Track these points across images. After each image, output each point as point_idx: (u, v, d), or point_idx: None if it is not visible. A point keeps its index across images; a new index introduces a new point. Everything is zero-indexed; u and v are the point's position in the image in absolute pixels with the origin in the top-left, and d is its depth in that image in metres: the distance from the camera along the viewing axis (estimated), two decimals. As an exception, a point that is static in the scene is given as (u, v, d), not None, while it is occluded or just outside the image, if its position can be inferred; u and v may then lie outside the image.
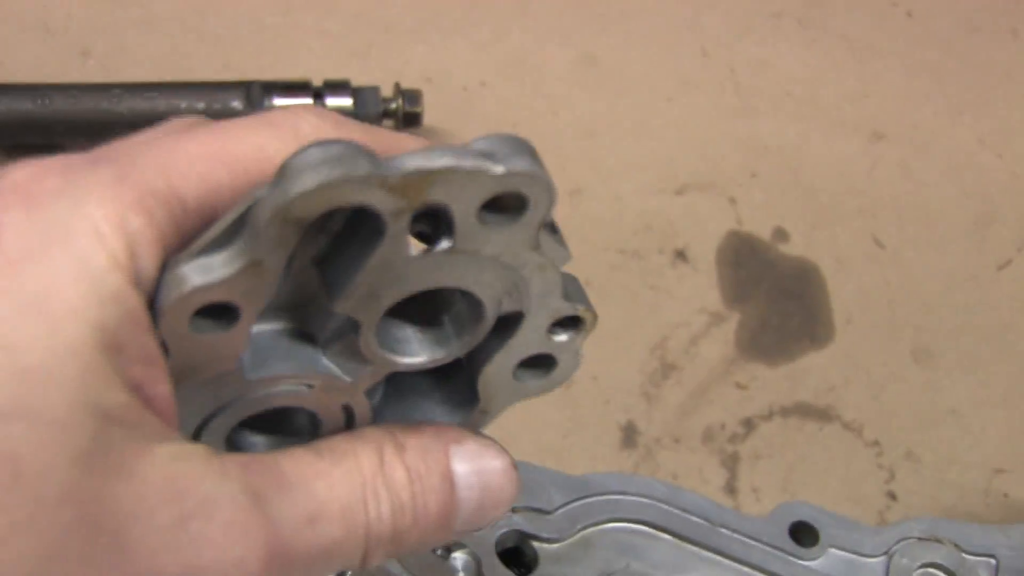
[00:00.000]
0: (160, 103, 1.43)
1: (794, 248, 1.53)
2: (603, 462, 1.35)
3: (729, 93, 1.65)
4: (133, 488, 0.50)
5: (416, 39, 1.63)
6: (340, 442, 0.61)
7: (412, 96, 1.48)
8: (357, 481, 0.59)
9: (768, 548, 1.15)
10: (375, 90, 1.47)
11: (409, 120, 1.48)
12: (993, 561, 1.16)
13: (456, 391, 0.70)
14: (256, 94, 1.45)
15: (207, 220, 0.57)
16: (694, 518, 1.15)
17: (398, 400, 0.69)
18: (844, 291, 1.50)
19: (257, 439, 0.68)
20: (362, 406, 0.65)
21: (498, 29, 1.65)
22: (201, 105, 1.43)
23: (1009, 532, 1.18)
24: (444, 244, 0.57)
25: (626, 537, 1.14)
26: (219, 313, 0.56)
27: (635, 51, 1.67)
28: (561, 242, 0.62)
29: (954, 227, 1.57)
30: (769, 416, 1.40)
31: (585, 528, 1.14)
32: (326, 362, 0.63)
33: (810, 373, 1.44)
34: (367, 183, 0.52)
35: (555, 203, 0.57)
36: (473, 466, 0.63)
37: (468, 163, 0.54)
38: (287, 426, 0.68)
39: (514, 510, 1.08)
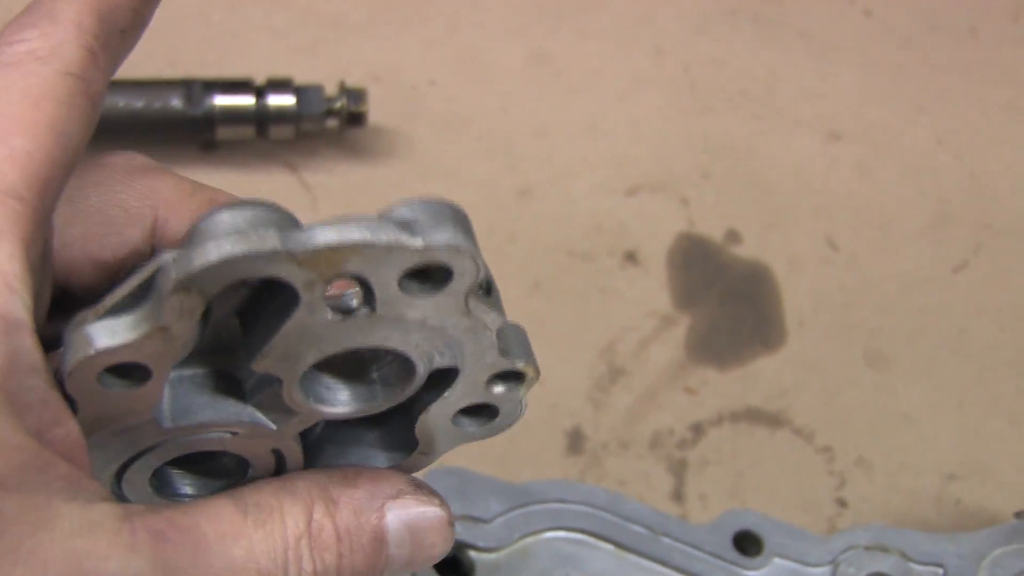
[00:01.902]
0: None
1: (747, 250, 1.50)
2: (548, 468, 1.32)
3: (683, 92, 1.62)
4: (33, 571, 0.47)
5: (364, 36, 1.60)
6: (268, 496, 0.58)
7: (356, 95, 1.45)
8: (279, 545, 0.56)
9: (711, 557, 1.14)
10: (318, 89, 1.45)
11: (353, 120, 1.45)
12: (940, 571, 1.15)
13: (395, 432, 0.67)
14: (197, 93, 1.42)
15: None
16: (636, 527, 1.14)
17: (336, 440, 0.67)
18: (797, 294, 1.48)
19: (184, 480, 0.66)
20: (293, 451, 0.64)
21: (449, 25, 1.63)
22: (140, 104, 1.40)
23: (957, 541, 1.16)
24: (364, 311, 0.55)
25: (566, 546, 1.12)
26: (129, 372, 0.54)
27: (588, 48, 1.64)
28: (496, 305, 0.59)
29: (910, 229, 1.55)
30: (719, 421, 1.38)
31: (524, 537, 1.12)
32: (251, 411, 0.61)
33: (761, 378, 1.42)
34: (275, 258, 0.50)
35: (483, 272, 0.55)
36: (408, 523, 0.62)
37: (384, 237, 0.52)
38: (215, 465, 0.66)
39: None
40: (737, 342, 1.44)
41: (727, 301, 1.47)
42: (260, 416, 0.61)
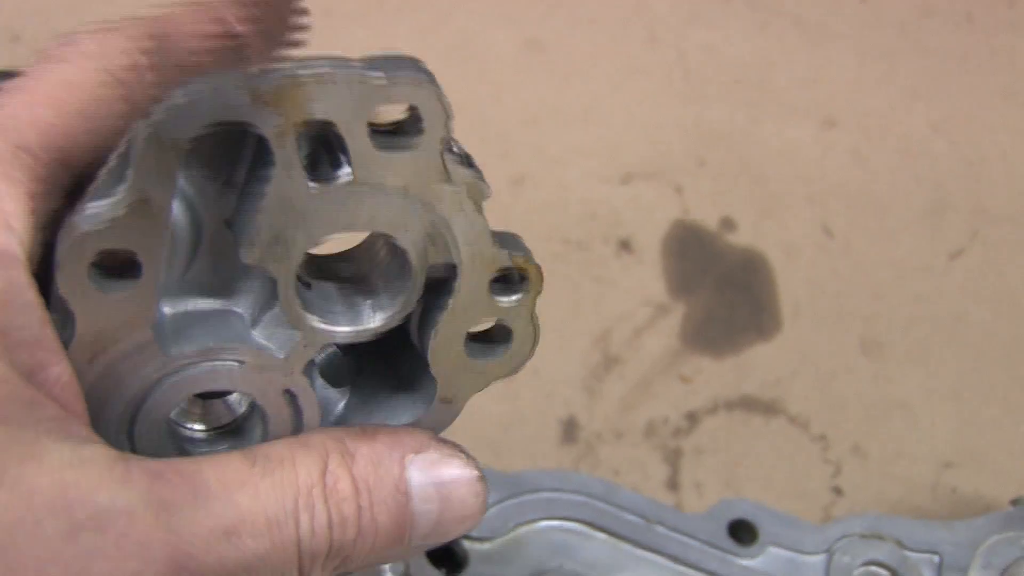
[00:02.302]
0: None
1: (741, 238, 1.50)
2: (543, 457, 1.32)
3: (677, 79, 1.62)
4: (18, 497, 0.47)
5: (357, 24, 1.60)
6: (280, 448, 0.57)
7: (348, 82, 1.44)
8: (288, 493, 0.54)
9: (706, 546, 1.13)
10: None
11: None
12: (936, 558, 1.14)
13: (417, 390, 0.66)
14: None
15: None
16: (630, 516, 1.13)
17: (360, 407, 0.66)
18: (792, 281, 1.47)
19: (202, 449, 0.66)
20: (306, 393, 0.62)
21: (440, 13, 1.62)
22: (130, 91, 1.39)
23: (953, 528, 1.16)
24: (344, 173, 0.55)
25: (559, 536, 1.12)
26: (120, 270, 0.55)
27: (581, 36, 1.63)
28: (478, 175, 0.59)
29: (906, 216, 1.54)
30: (714, 410, 1.38)
31: (517, 527, 1.12)
32: (254, 335, 0.60)
33: (756, 366, 1.41)
34: (238, 93, 0.51)
35: (451, 119, 0.55)
36: (433, 477, 0.59)
37: (345, 71, 0.52)
38: (242, 434, 0.66)
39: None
40: (732, 330, 1.44)
41: (722, 289, 1.46)
42: (264, 341, 0.60)
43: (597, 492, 1.13)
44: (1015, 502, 1.20)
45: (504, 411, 1.34)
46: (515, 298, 0.62)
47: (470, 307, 0.62)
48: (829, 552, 1.13)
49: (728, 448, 1.36)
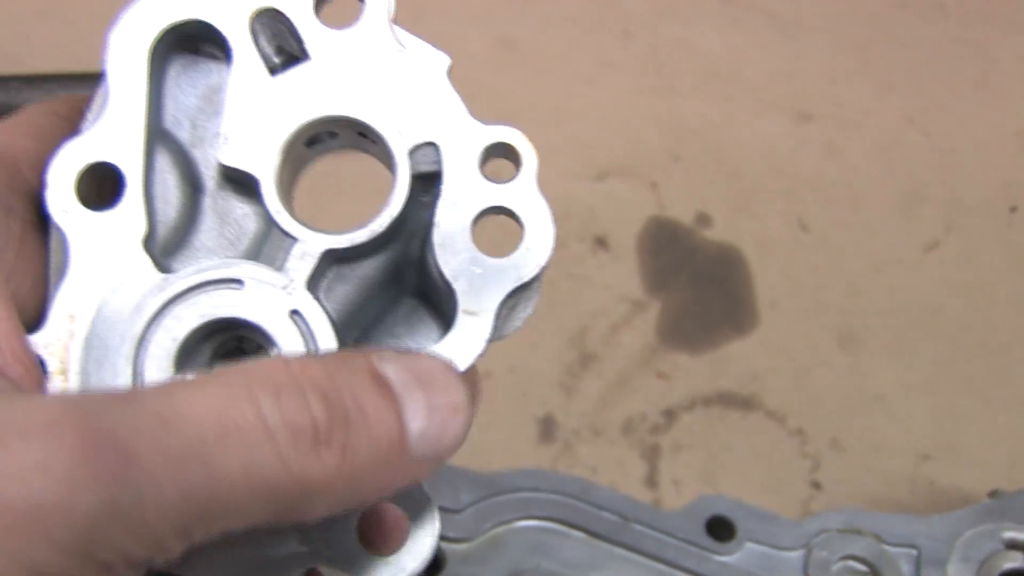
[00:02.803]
0: (60, 95, 1.38)
1: (717, 233, 1.49)
2: (521, 456, 1.31)
3: (651, 74, 1.61)
4: None
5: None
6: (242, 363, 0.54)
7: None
8: (240, 382, 0.50)
9: (683, 544, 1.13)
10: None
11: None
12: (914, 552, 1.14)
13: (444, 317, 0.64)
14: None
15: None
16: (607, 514, 1.13)
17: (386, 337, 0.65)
18: (768, 276, 1.47)
19: None
20: (315, 315, 0.59)
21: (413, 11, 1.60)
22: (100, 95, 1.38)
23: (931, 522, 1.16)
24: (302, 58, 0.59)
25: (537, 535, 1.11)
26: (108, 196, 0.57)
27: (555, 32, 1.63)
28: (433, 47, 0.62)
29: (881, 208, 1.54)
30: (691, 406, 1.37)
31: (495, 527, 1.11)
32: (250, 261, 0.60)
33: (733, 361, 1.41)
34: None
35: None
36: (406, 366, 0.54)
37: None
38: None
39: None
40: (709, 326, 1.43)
41: (698, 285, 1.46)
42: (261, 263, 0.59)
43: (573, 491, 1.12)
44: (992, 494, 1.20)
45: (480, 411, 1.33)
46: (513, 180, 0.60)
47: (464, 192, 0.59)
48: (807, 547, 1.13)
49: (706, 444, 1.36)
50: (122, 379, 0.57)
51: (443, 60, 0.61)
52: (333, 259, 0.60)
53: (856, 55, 1.67)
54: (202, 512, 0.46)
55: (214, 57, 0.61)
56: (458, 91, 0.62)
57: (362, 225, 0.60)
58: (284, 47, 0.60)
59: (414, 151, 0.59)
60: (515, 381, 1.34)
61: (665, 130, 1.57)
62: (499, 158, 0.61)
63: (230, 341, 0.60)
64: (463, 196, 0.59)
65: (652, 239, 1.48)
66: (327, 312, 0.59)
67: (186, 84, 0.61)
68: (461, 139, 0.60)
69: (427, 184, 0.60)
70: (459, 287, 0.60)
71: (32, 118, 0.63)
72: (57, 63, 1.47)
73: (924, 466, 1.37)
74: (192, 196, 0.61)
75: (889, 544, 1.14)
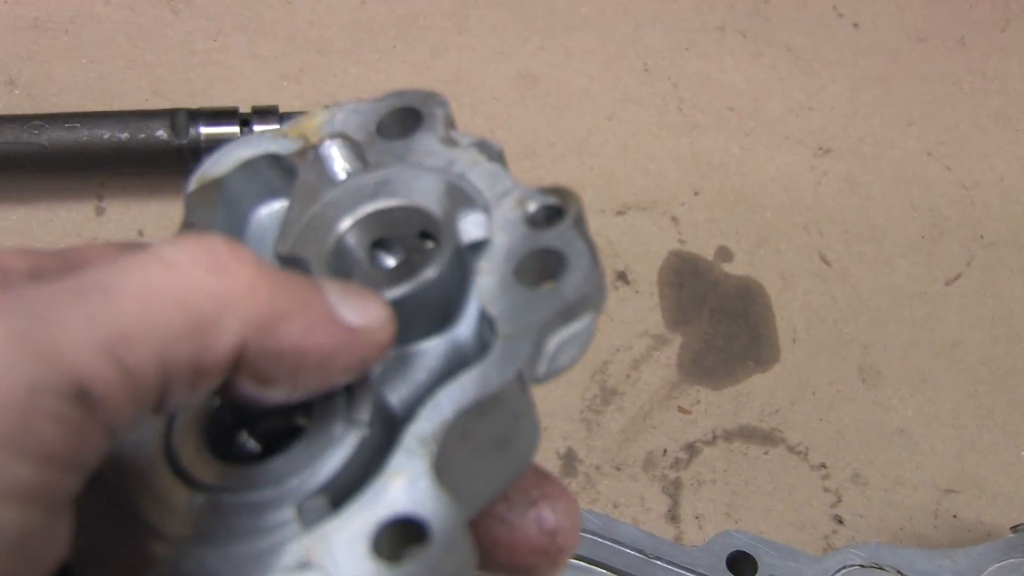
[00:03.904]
0: (83, 133, 1.39)
1: (738, 267, 1.49)
2: (542, 492, 1.31)
3: (672, 109, 1.62)
4: None
5: (350, 60, 1.60)
6: None
7: (342, 120, 1.44)
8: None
9: (705, 580, 1.13)
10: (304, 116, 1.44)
11: (339, 144, 1.44)
12: (937, 587, 1.14)
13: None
14: (181, 122, 1.41)
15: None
16: (628, 550, 1.13)
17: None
18: (789, 310, 1.47)
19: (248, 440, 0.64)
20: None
21: (435, 48, 1.62)
22: (125, 135, 1.40)
23: (954, 556, 1.16)
24: (352, 169, 0.64)
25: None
26: None
27: (575, 68, 1.63)
28: (485, 143, 0.65)
29: (902, 242, 1.54)
30: (712, 440, 1.37)
31: (516, 564, 1.11)
32: None
33: (755, 395, 1.41)
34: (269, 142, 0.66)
35: (447, 106, 0.66)
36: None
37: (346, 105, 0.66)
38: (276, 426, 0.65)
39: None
40: (730, 360, 1.43)
41: (719, 319, 1.46)
42: None
43: (594, 527, 1.13)
44: (1016, 528, 1.19)
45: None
46: (558, 227, 0.59)
47: (511, 244, 0.60)
48: (829, 583, 1.12)
49: (728, 479, 1.35)
50: None
51: (495, 148, 0.64)
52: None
53: (876, 89, 1.68)
54: (114, 329, 0.46)
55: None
56: (511, 168, 0.65)
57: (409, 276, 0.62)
58: (353, 171, 0.64)
59: (464, 220, 0.62)
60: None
61: (686, 164, 1.58)
62: (547, 216, 0.61)
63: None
64: (506, 244, 0.60)
65: (673, 273, 1.48)
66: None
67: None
68: (507, 201, 0.61)
69: (472, 253, 0.62)
70: (497, 312, 0.59)
71: None
72: (80, 103, 1.48)
73: (947, 500, 1.36)
74: None
75: (912, 580, 1.13)
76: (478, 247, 0.61)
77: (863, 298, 1.49)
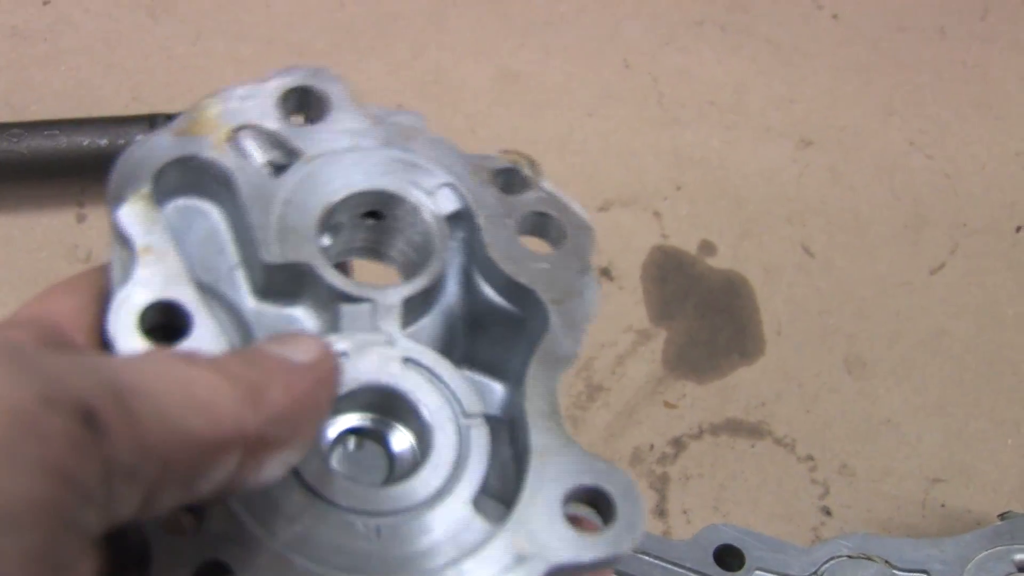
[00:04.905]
0: (62, 141, 1.39)
1: (721, 260, 1.49)
2: (529, 489, 1.31)
3: (652, 104, 1.62)
4: None
5: (330, 61, 1.57)
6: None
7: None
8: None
9: (692, 573, 1.13)
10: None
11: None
12: (925, 576, 1.14)
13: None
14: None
15: None
16: (615, 546, 1.12)
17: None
18: (774, 302, 1.47)
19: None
20: (424, 354, 0.65)
21: (413, 48, 1.62)
22: (104, 141, 1.39)
23: (941, 546, 1.16)
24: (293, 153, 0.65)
25: (545, 569, 1.11)
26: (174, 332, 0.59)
27: (555, 64, 1.63)
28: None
29: (885, 232, 1.54)
30: (699, 434, 1.37)
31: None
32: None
33: (740, 388, 1.41)
34: (164, 138, 0.64)
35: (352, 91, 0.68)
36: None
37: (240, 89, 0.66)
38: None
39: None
40: (715, 354, 1.43)
41: (704, 313, 1.46)
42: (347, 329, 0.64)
43: (581, 523, 1.12)
44: (1003, 516, 1.19)
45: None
46: (531, 188, 0.68)
47: (496, 212, 0.66)
48: (817, 574, 1.12)
49: (715, 473, 1.35)
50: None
51: (418, 118, 0.67)
52: (411, 305, 0.65)
53: (857, 79, 1.67)
54: (118, 378, 0.48)
55: (203, 196, 0.65)
56: (450, 135, 0.69)
57: (419, 275, 0.66)
58: (273, 160, 0.65)
59: (434, 195, 0.65)
60: (522, 414, 1.34)
61: (667, 159, 1.57)
62: (509, 178, 0.68)
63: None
64: (497, 215, 0.65)
65: (657, 268, 1.48)
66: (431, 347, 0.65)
67: (186, 229, 0.64)
68: (469, 172, 0.66)
69: (452, 226, 0.66)
70: (538, 287, 0.65)
71: (73, 285, 0.63)
72: (59, 110, 1.48)
73: (934, 489, 1.36)
74: (239, 329, 0.63)
75: (899, 569, 1.13)
76: (453, 218, 0.66)
77: (847, 289, 1.49)
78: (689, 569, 1.12)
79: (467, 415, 0.63)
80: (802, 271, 1.50)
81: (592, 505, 0.60)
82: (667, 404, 1.39)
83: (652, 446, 1.36)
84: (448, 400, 0.63)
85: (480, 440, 0.63)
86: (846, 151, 1.61)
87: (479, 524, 0.59)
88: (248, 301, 0.64)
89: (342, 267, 0.68)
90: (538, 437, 0.61)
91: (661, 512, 1.32)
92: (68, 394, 0.45)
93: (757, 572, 1.12)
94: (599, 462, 0.60)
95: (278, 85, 0.65)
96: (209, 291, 0.63)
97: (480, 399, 0.64)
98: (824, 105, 1.65)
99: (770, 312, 1.47)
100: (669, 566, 1.12)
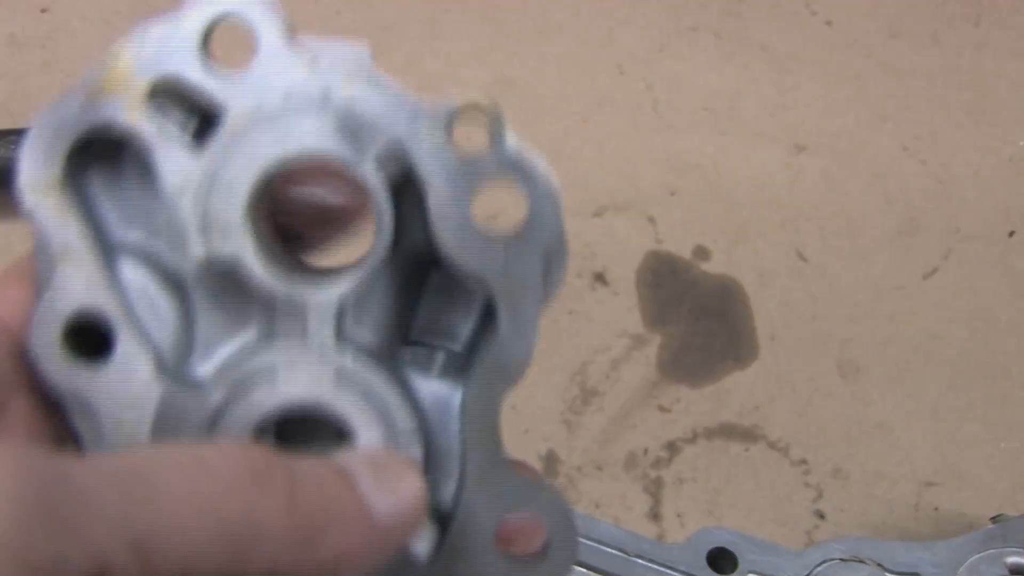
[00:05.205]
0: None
1: (715, 266, 1.50)
2: (524, 494, 1.31)
3: (647, 110, 1.62)
4: None
5: (326, 69, 1.60)
6: None
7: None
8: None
9: (686, 577, 1.13)
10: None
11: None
12: (918, 579, 1.14)
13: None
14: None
15: None
16: (609, 549, 1.13)
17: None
18: (767, 307, 1.48)
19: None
20: (358, 366, 0.58)
21: (410, 55, 1.63)
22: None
23: (934, 549, 1.16)
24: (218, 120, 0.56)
25: (539, 572, 1.11)
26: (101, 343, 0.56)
27: (550, 71, 1.64)
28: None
29: (878, 237, 1.55)
30: (693, 439, 1.38)
31: (497, 565, 1.11)
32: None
33: (734, 392, 1.41)
34: (72, 103, 0.57)
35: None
36: (366, 458, 0.55)
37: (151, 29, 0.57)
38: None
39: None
40: (709, 358, 1.44)
41: (698, 318, 1.46)
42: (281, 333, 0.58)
43: (575, 527, 1.13)
44: (996, 519, 1.20)
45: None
46: (491, 146, 0.57)
47: (450, 178, 0.56)
48: (810, 577, 1.13)
49: (709, 476, 1.36)
50: None
51: (361, 55, 0.58)
52: (351, 300, 0.58)
53: (850, 85, 1.68)
54: (146, 527, 0.46)
55: (125, 160, 0.58)
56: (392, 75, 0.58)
57: (362, 259, 0.58)
58: (195, 114, 0.57)
59: (381, 159, 0.56)
60: (517, 418, 1.35)
61: (661, 165, 1.58)
62: (467, 126, 0.58)
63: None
64: (448, 185, 0.56)
65: (651, 273, 1.49)
66: (368, 355, 0.58)
67: (116, 189, 0.58)
68: (419, 125, 0.56)
69: (406, 188, 0.58)
70: (488, 276, 0.58)
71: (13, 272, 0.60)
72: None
73: (927, 493, 1.37)
74: (179, 296, 0.58)
75: (892, 572, 1.14)
76: (405, 181, 0.58)
77: (841, 294, 1.50)
78: (682, 572, 1.12)
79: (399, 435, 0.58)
80: (796, 276, 1.51)
81: (527, 535, 0.57)
82: (661, 408, 1.39)
83: (646, 450, 1.36)
84: (381, 419, 0.58)
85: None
86: (839, 157, 1.61)
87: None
88: (186, 269, 0.58)
89: (294, 238, 0.61)
90: (474, 463, 0.58)
91: (655, 516, 1.33)
92: (83, 549, 0.43)
93: (750, 575, 1.13)
94: (533, 488, 0.57)
95: (199, 19, 0.57)
96: (145, 254, 0.58)
97: (414, 415, 0.58)
98: (817, 111, 1.65)
99: (764, 317, 1.47)
100: (663, 569, 1.12)
